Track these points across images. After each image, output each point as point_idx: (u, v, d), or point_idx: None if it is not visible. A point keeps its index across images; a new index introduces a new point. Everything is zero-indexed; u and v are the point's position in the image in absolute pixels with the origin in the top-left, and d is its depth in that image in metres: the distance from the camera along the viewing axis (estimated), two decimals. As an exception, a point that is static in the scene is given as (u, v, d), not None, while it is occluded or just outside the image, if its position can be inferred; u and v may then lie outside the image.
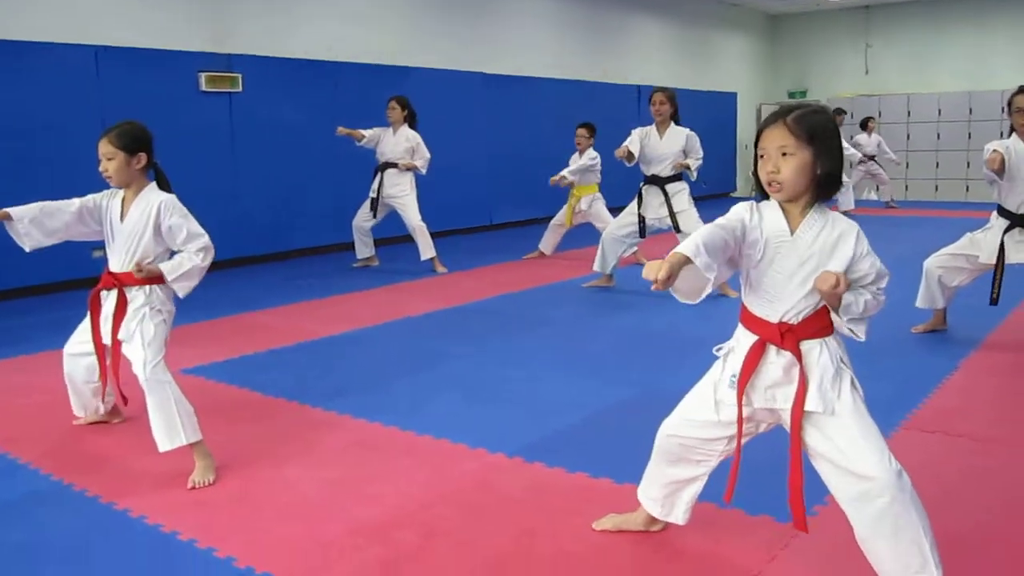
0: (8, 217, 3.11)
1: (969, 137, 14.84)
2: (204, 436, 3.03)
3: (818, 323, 2.05)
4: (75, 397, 3.49)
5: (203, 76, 7.60)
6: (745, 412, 2.13)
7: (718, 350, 2.22)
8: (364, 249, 7.78)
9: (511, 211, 11.13)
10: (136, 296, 3.10)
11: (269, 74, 8.18)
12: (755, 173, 2.12)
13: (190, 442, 2.98)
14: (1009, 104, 4.57)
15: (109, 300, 3.14)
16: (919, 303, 4.84)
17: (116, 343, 3.12)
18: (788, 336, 2.04)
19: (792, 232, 2.06)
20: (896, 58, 16.36)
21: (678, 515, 2.38)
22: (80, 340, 3.31)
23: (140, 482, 2.99)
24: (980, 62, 15.42)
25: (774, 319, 2.07)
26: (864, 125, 12.50)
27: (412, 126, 7.43)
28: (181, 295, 3.14)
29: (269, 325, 5.52)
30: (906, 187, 15.67)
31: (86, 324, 3.25)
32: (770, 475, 2.53)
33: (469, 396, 3.94)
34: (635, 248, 7.54)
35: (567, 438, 3.36)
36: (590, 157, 7.91)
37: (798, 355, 2.04)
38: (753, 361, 2.09)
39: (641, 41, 14.02)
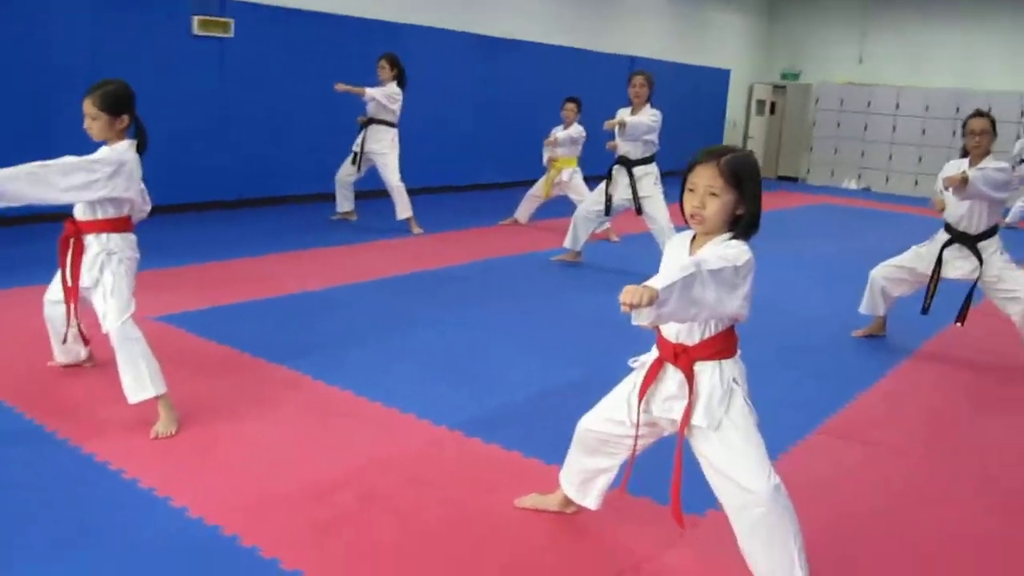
0: None
1: (954, 135, 14.98)
2: (169, 388, 3.25)
3: (715, 346, 2.27)
4: (57, 342, 3.68)
5: (196, 19, 7.67)
6: (646, 419, 2.39)
7: (634, 362, 2.46)
8: (344, 203, 7.96)
9: (493, 173, 11.27)
10: (91, 243, 3.26)
11: (261, 22, 8.24)
12: (681, 203, 2.33)
13: (156, 395, 3.20)
14: (964, 126, 4.78)
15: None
16: (862, 309, 5.11)
17: (76, 286, 3.29)
18: (682, 356, 2.28)
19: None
20: (890, 49, 16.46)
21: (591, 501, 2.65)
22: (57, 288, 3.50)
23: (107, 428, 3.21)
24: (970, 61, 15.57)
25: (672, 339, 2.31)
26: None
27: (401, 84, 7.57)
28: None
29: (242, 276, 5.71)
30: (887, 178, 15.92)
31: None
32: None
33: (424, 367, 4.18)
34: (607, 224, 7.78)
35: (508, 416, 3.61)
36: (578, 130, 8.13)
37: (689, 374, 2.27)
38: (651, 377, 2.35)
39: (637, 12, 14.03)
